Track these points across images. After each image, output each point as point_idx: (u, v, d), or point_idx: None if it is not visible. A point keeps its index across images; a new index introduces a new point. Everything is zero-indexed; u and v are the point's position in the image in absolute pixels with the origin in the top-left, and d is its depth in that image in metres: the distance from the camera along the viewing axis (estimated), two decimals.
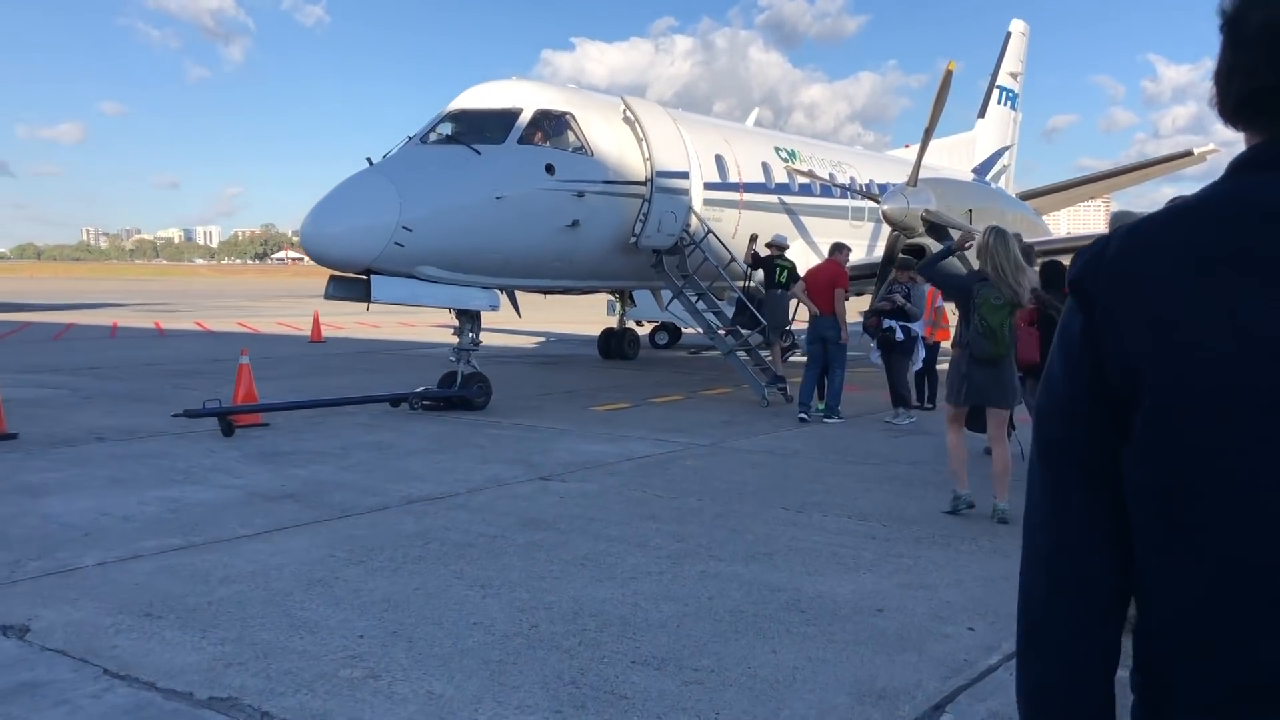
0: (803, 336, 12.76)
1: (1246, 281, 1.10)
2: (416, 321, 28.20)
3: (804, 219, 16.35)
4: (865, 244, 17.84)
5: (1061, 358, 1.28)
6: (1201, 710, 1.16)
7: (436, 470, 8.26)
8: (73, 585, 5.16)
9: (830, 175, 17.33)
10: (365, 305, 10.95)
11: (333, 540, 6.08)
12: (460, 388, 11.68)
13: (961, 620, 4.84)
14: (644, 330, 22.15)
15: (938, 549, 6.11)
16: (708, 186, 14.11)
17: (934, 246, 12.64)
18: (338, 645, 4.38)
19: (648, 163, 12.98)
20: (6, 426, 9.58)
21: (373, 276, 10.69)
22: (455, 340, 11.90)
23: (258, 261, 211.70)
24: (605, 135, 12.68)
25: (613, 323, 19.74)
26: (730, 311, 13.90)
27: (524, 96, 12.17)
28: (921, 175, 14.40)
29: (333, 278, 11.04)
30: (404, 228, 10.50)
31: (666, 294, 14.21)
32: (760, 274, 13.99)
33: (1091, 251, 1.24)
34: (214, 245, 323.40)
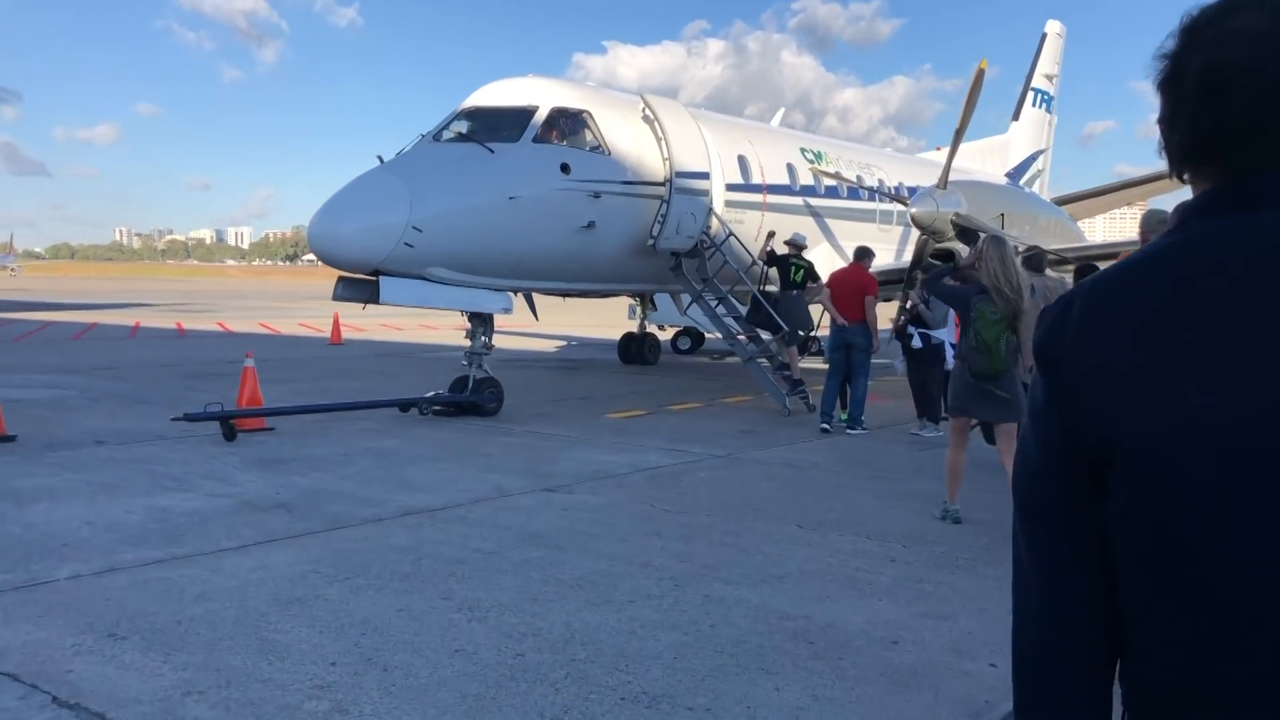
0: (826, 342, 12.35)
1: (1203, 332, 1.10)
2: (439, 324, 28.00)
3: (830, 222, 15.95)
4: (893, 248, 17.41)
5: (1031, 423, 1.30)
6: None
7: (438, 480, 7.95)
8: (40, 601, 4.88)
9: (858, 177, 16.91)
10: (362, 306, 10.65)
11: (319, 555, 5.78)
12: (471, 393, 11.38)
13: (983, 655, 4.46)
14: (667, 335, 21.83)
15: (960, 573, 5.72)
16: (729, 188, 13.74)
17: (964, 251, 12.21)
18: (307, 673, 4.06)
19: (667, 163, 12.63)
20: (6, 429, 9.38)
21: (381, 278, 10.42)
22: (468, 344, 11.63)
23: (288, 263, 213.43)
24: (623, 134, 12.35)
25: (633, 327, 19.42)
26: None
27: (540, 94, 11.87)
28: (952, 178, 13.97)
29: (341, 278, 10.78)
30: (414, 228, 10.23)
31: (686, 298, 13.84)
32: (774, 273, 13.55)
33: (1055, 314, 1.26)
34: (245, 246, 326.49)
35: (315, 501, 7.13)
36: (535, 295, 15.10)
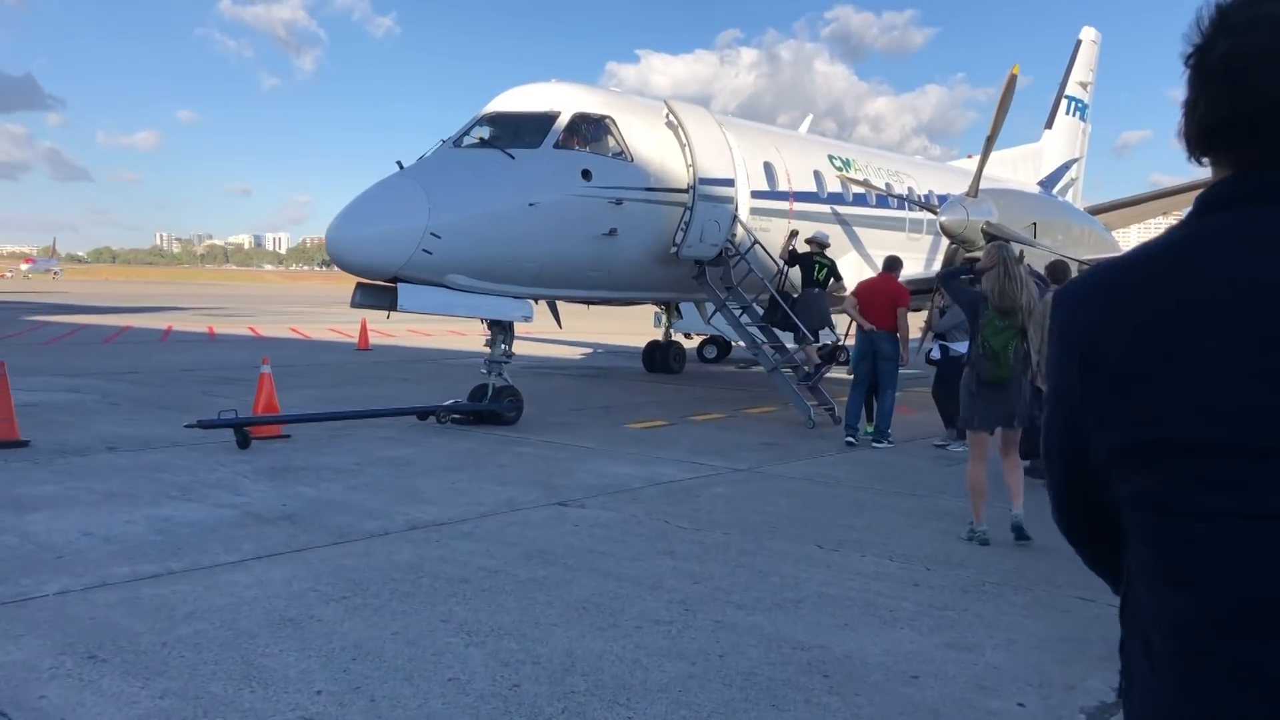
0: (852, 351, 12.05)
1: (1217, 325, 1.11)
2: (467, 331, 27.88)
3: (858, 230, 15.64)
4: (923, 257, 17.07)
5: (1051, 410, 1.33)
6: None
7: (449, 492, 7.76)
8: (25, 618, 4.72)
9: (887, 185, 16.60)
10: (386, 314, 10.52)
11: (319, 571, 5.59)
12: (491, 401, 11.20)
13: (1010, 693, 4.18)
14: (693, 343, 21.59)
15: (987, 600, 5.43)
16: (755, 195, 13.49)
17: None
18: (289, 702, 3.86)
19: (690, 169, 12.40)
20: (20, 433, 9.32)
21: (400, 284, 10.27)
22: (487, 351, 11.46)
23: (324, 268, 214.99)
24: (646, 140, 12.13)
25: (659, 335, 19.20)
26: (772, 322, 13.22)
27: (562, 99, 11.68)
28: (983, 186, 13.65)
29: (359, 285, 10.63)
30: (432, 234, 10.06)
31: (710, 306, 13.59)
32: (795, 273, 13.26)
33: (1070, 299, 1.27)
34: (283, 251, 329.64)
35: (321, 513, 6.95)
36: (558, 303, 14.95)
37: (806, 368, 12.50)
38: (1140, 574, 1.22)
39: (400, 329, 28.65)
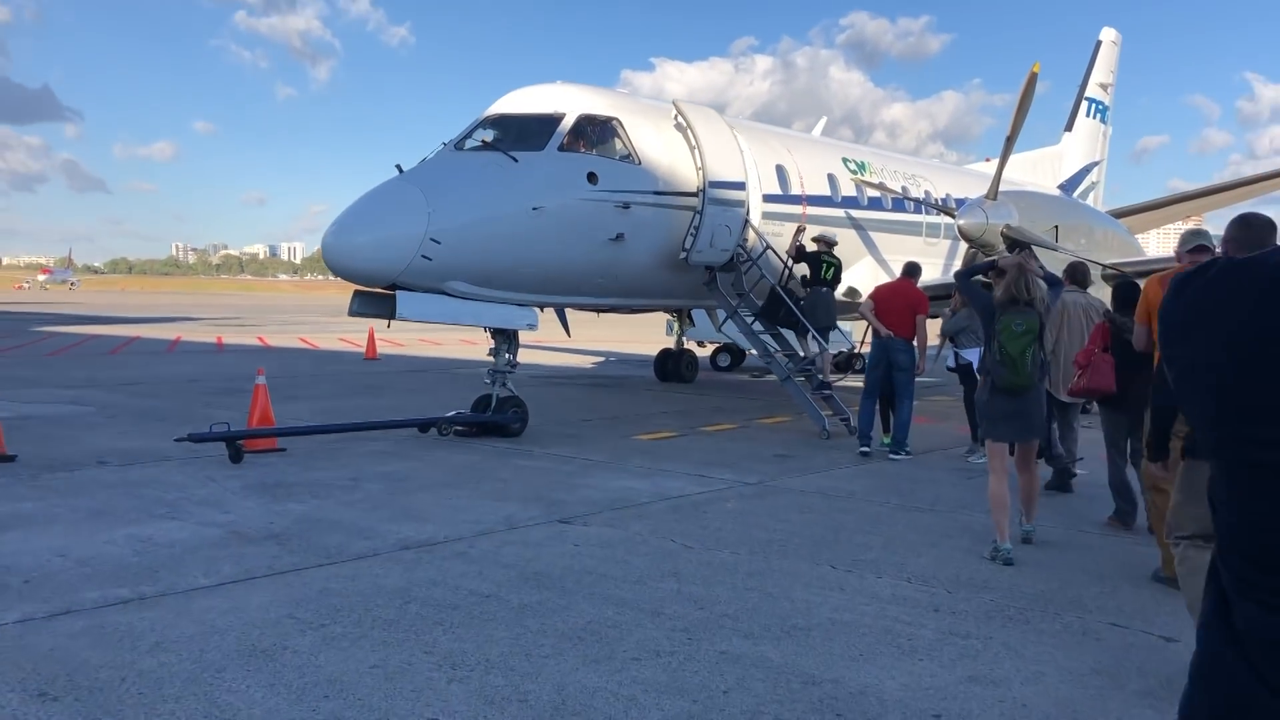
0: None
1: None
2: (478, 339, 27.46)
3: (874, 235, 15.26)
4: (941, 262, 16.67)
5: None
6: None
7: (446, 509, 7.42)
8: None
9: (903, 189, 16.21)
10: (386, 323, 10.22)
11: (301, 595, 5.26)
12: (494, 412, 10.87)
13: None
14: (707, 351, 21.23)
15: (1014, 627, 5.05)
16: (767, 199, 13.12)
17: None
18: None
19: (700, 172, 12.05)
20: (7, 448, 9.04)
21: (399, 292, 9.95)
22: (492, 360, 11.13)
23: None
24: (654, 142, 11.79)
25: (670, 343, 18.85)
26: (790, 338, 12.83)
27: (567, 101, 11.35)
28: (1002, 189, 13.25)
29: (357, 293, 10.33)
30: (432, 240, 9.75)
31: (722, 313, 13.23)
32: (799, 270, 12.87)
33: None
34: (297, 261, 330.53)
35: (310, 532, 6.63)
36: (566, 311, 14.63)
37: (821, 377, 12.11)
38: None
39: (410, 338, 28.41)
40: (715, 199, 12.08)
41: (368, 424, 10.62)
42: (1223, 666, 1.35)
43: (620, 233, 11.13)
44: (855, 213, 15.00)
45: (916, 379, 10.79)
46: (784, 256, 12.91)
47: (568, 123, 11.03)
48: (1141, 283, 7.61)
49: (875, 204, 15.48)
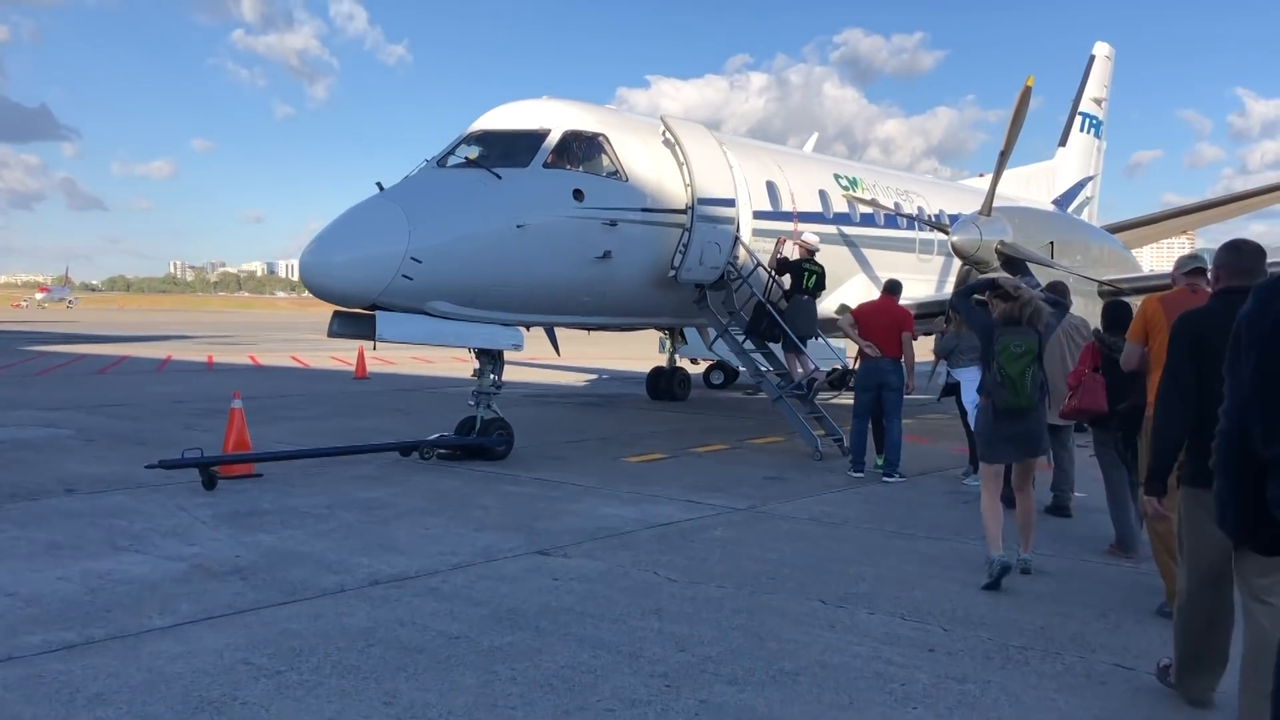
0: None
1: None
2: (471, 358, 27.31)
3: (866, 251, 15.02)
4: (934, 279, 16.45)
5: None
6: None
7: (421, 539, 7.13)
8: None
9: (896, 205, 15.99)
10: (373, 345, 9.95)
11: (258, 637, 4.97)
12: (479, 435, 10.59)
13: None
14: (700, 369, 20.98)
15: (1012, 669, 4.76)
16: (757, 215, 12.88)
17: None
18: None
19: (689, 189, 11.80)
20: None
21: (379, 312, 9.69)
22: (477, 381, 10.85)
23: None
24: (642, 159, 11.55)
25: (663, 361, 18.59)
26: (779, 355, 12.57)
27: (553, 116, 11.12)
28: (996, 204, 13.02)
29: (336, 314, 10.05)
30: (413, 259, 9.49)
31: (713, 332, 12.96)
32: (787, 279, 12.59)
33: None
34: (295, 279, 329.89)
35: (277, 566, 6.34)
36: (556, 329, 14.37)
37: (819, 415, 11.80)
38: None
39: (401, 356, 28.11)
40: (704, 216, 11.83)
41: (346, 448, 10.34)
42: None
43: (607, 250, 10.88)
44: (847, 229, 14.77)
45: (908, 397, 10.56)
46: (768, 268, 12.64)
47: (553, 139, 10.79)
48: (1135, 301, 7.41)
49: (868, 220, 15.25)
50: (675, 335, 17.96)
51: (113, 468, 9.83)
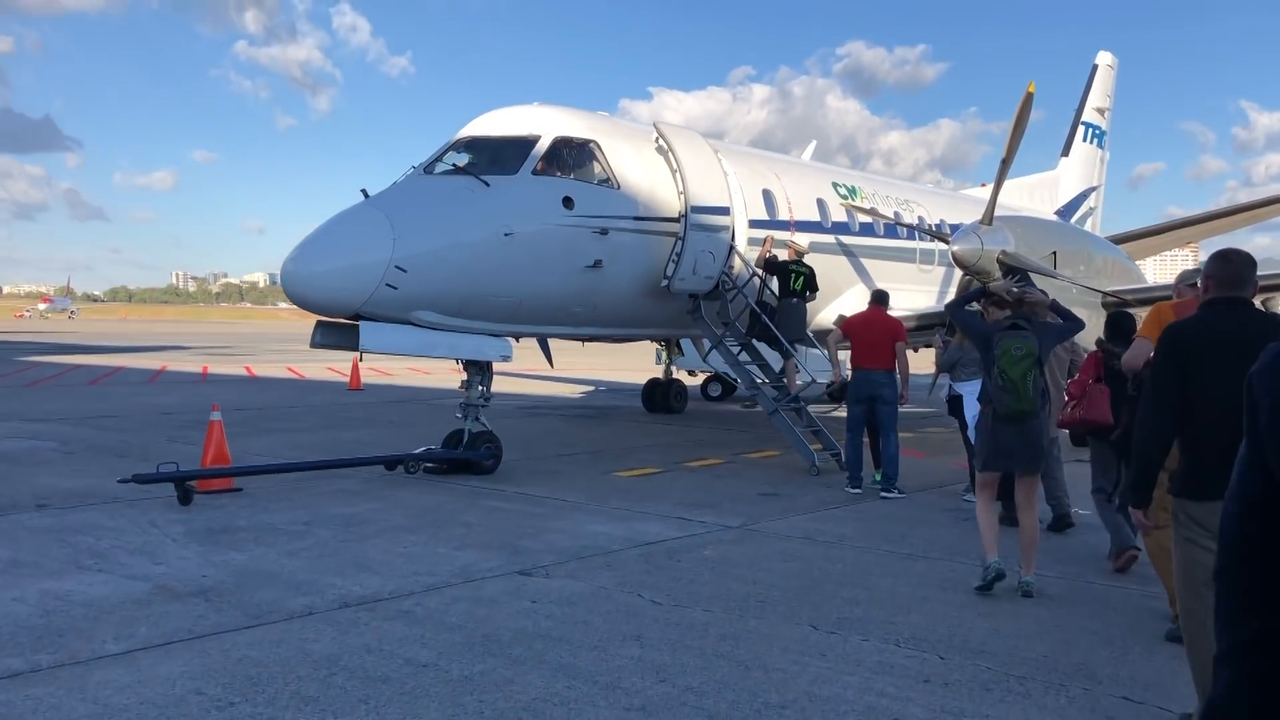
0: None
1: None
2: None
3: (865, 262, 14.76)
4: (935, 290, 16.18)
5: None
6: None
7: (398, 558, 6.86)
8: None
9: (895, 214, 15.73)
10: (358, 356, 9.70)
11: (215, 665, 4.70)
12: (466, 449, 10.32)
13: None
14: (698, 380, 20.73)
15: (1013, 702, 4.48)
16: (753, 224, 12.62)
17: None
18: None
19: (682, 197, 11.55)
20: None
21: (362, 323, 9.44)
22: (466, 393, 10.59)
23: None
24: (634, 166, 11.30)
25: (659, 372, 18.32)
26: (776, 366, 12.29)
27: (542, 123, 10.88)
28: (998, 214, 12.76)
29: (319, 324, 9.81)
30: (397, 267, 9.25)
31: (708, 343, 12.70)
32: (775, 281, 12.31)
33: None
34: None
35: (244, 586, 6.07)
36: (548, 340, 14.11)
37: (816, 428, 11.51)
38: None
39: (398, 367, 27.89)
40: (698, 224, 11.58)
41: (329, 462, 10.07)
42: None
43: (598, 259, 10.63)
44: (846, 239, 14.51)
45: (905, 410, 10.31)
46: (755, 269, 12.33)
47: (543, 145, 10.55)
48: (1140, 313, 7.26)
49: (867, 230, 15.00)
50: (671, 346, 17.70)
51: (89, 481, 9.58)
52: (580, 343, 15.99)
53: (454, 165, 10.47)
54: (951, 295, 14.07)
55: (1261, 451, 1.43)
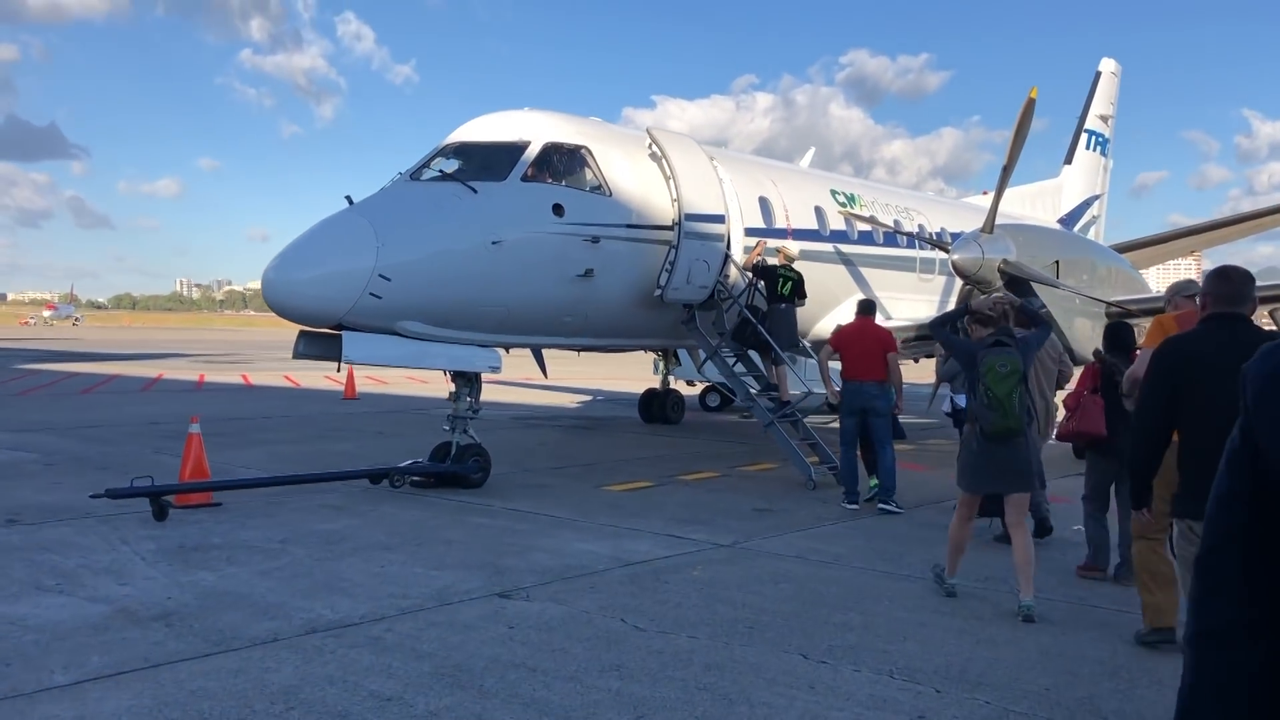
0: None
1: None
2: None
3: (864, 271, 14.50)
4: (936, 300, 15.92)
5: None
6: None
7: (374, 578, 6.59)
8: None
9: (895, 222, 15.47)
10: (337, 366, 9.45)
11: (167, 697, 4.43)
12: (453, 462, 10.06)
13: None
14: (696, 390, 20.45)
15: None
16: (749, 232, 12.35)
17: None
18: None
19: (676, 204, 11.30)
20: None
21: (345, 333, 9.18)
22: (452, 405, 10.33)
23: None
24: (626, 173, 11.05)
25: (656, 383, 18.05)
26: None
27: (533, 128, 10.63)
28: (1000, 222, 12.49)
29: (302, 334, 9.54)
30: (381, 276, 8.99)
31: (703, 353, 12.42)
32: (763, 285, 12.01)
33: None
34: None
35: (210, 609, 5.81)
36: (542, 351, 13.85)
37: (813, 440, 11.24)
38: None
39: (395, 376, 27.58)
40: (692, 232, 11.32)
41: (310, 476, 9.81)
42: None
43: (589, 268, 10.37)
44: (844, 247, 14.25)
45: (904, 419, 10.08)
46: (747, 274, 12.04)
47: (532, 151, 10.30)
48: (1144, 323, 7.14)
49: (866, 238, 14.74)
50: (669, 357, 17.43)
51: (65, 495, 9.32)
52: (577, 353, 15.71)
53: (441, 171, 10.22)
54: (952, 305, 13.81)
55: (1252, 436, 1.45)
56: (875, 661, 5.17)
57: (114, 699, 4.42)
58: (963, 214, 17.91)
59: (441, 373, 10.52)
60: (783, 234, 13.00)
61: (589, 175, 10.74)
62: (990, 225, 12.11)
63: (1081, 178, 24.11)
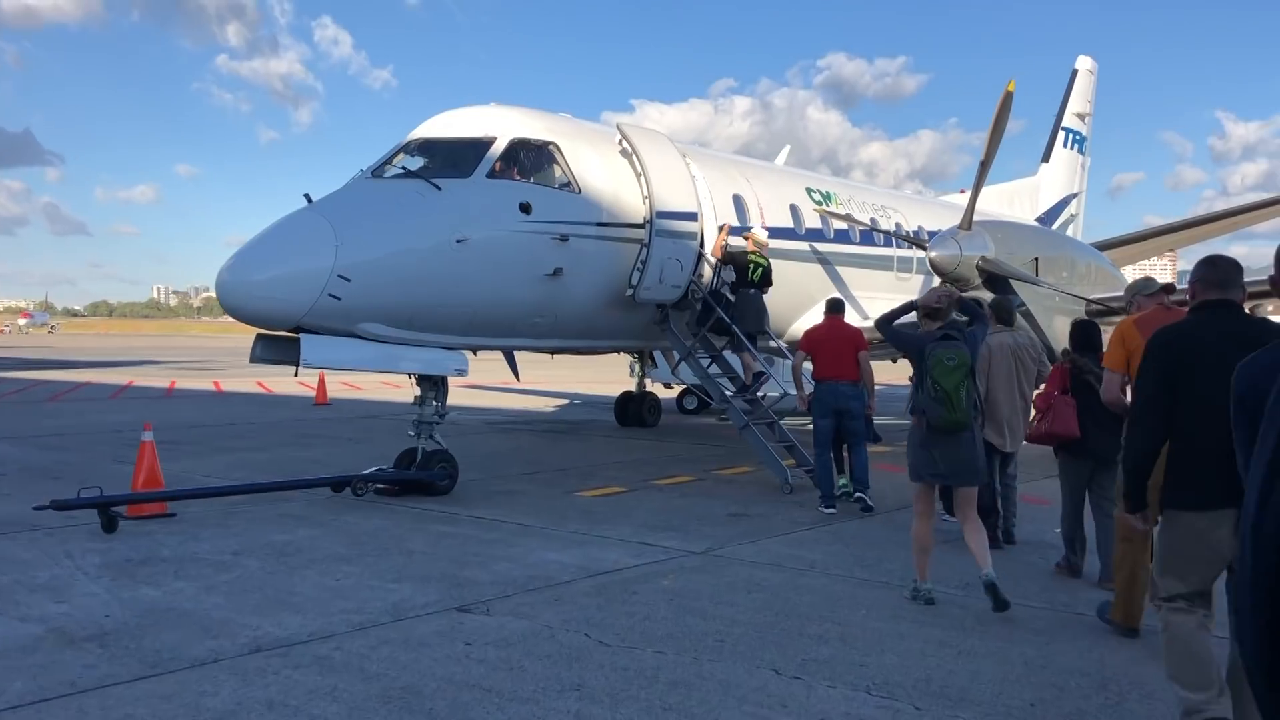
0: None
1: None
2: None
3: (841, 270, 14.27)
4: (915, 299, 15.68)
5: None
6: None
7: (327, 592, 6.28)
8: None
9: (872, 220, 15.25)
10: (294, 371, 9.12)
11: None
12: (419, 468, 9.74)
13: None
14: (673, 393, 20.20)
15: None
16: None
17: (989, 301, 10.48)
18: None
19: (647, 201, 11.02)
20: None
21: (303, 336, 8.85)
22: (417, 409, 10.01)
23: None
24: (596, 169, 10.77)
25: (632, 385, 17.77)
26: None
27: (499, 124, 10.33)
28: (978, 219, 12.28)
29: (259, 337, 9.21)
30: (340, 276, 8.68)
31: (678, 355, 12.16)
32: (732, 272, 11.73)
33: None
34: None
35: (149, 628, 5.48)
36: (514, 353, 13.55)
37: (789, 443, 11.00)
38: None
39: (369, 380, 27.20)
40: (664, 230, 11.04)
41: (268, 485, 9.48)
42: None
43: (558, 268, 10.08)
44: (820, 246, 14.01)
45: (879, 419, 9.88)
46: (711, 260, 11.73)
47: (499, 147, 10.00)
48: (1106, 325, 7.07)
49: (842, 237, 14.51)
50: (644, 358, 17.16)
51: (11, 508, 8.94)
52: (550, 355, 15.43)
53: (405, 169, 9.90)
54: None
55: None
56: (851, 676, 4.89)
57: None
58: (940, 212, 17.73)
59: (407, 376, 10.21)
60: None
61: (557, 172, 10.46)
62: (968, 222, 11.90)
63: (1060, 176, 24.00)
